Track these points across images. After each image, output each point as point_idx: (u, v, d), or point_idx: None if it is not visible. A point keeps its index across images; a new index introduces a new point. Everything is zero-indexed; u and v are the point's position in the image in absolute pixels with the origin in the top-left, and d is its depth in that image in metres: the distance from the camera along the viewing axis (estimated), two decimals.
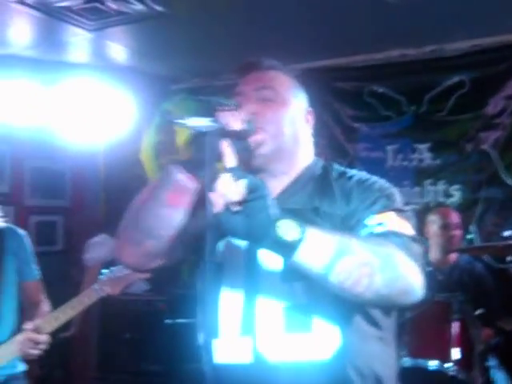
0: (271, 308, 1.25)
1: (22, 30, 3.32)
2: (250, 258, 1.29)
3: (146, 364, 3.41)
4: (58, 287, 2.56)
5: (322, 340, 1.22)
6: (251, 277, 1.28)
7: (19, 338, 2.15)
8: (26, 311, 2.39)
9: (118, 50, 3.73)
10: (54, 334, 2.22)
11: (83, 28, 3.24)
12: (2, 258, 2.27)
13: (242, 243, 1.28)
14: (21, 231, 2.45)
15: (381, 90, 3.87)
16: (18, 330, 2.26)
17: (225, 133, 1.10)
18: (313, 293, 1.21)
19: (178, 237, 1.25)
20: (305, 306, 1.23)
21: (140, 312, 3.53)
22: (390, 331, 1.34)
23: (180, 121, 1.10)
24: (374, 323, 1.29)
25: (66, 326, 2.30)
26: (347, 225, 1.24)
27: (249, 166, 1.26)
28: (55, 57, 3.76)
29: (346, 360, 1.23)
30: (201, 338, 1.32)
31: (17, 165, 4.39)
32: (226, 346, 1.29)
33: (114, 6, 2.92)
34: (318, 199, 1.30)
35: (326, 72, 3.95)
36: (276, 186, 1.32)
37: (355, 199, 1.28)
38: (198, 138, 1.11)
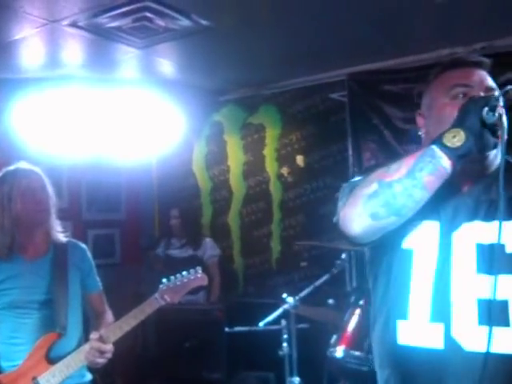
0: (466, 298, 1.26)
1: (75, 51, 3.43)
2: (445, 246, 1.31)
3: (206, 372, 3.43)
4: (116, 299, 2.61)
5: None
6: (445, 265, 1.30)
7: (86, 347, 2.19)
8: (90, 322, 2.46)
9: (167, 65, 3.81)
10: (116, 344, 2.27)
11: (133, 46, 3.32)
12: (66, 271, 2.31)
13: (436, 230, 1.32)
14: (82, 245, 2.49)
15: None
16: (85, 340, 2.30)
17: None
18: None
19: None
20: (504, 300, 1.23)
21: (198, 321, 3.57)
22: None
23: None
24: None
25: (127, 336, 2.33)
26: None
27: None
28: (107, 75, 3.87)
29: None
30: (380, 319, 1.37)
31: (73, 180, 4.51)
32: (415, 329, 1.30)
33: (161, 23, 2.99)
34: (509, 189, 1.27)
35: (374, 75, 3.91)
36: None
37: None
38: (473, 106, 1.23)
